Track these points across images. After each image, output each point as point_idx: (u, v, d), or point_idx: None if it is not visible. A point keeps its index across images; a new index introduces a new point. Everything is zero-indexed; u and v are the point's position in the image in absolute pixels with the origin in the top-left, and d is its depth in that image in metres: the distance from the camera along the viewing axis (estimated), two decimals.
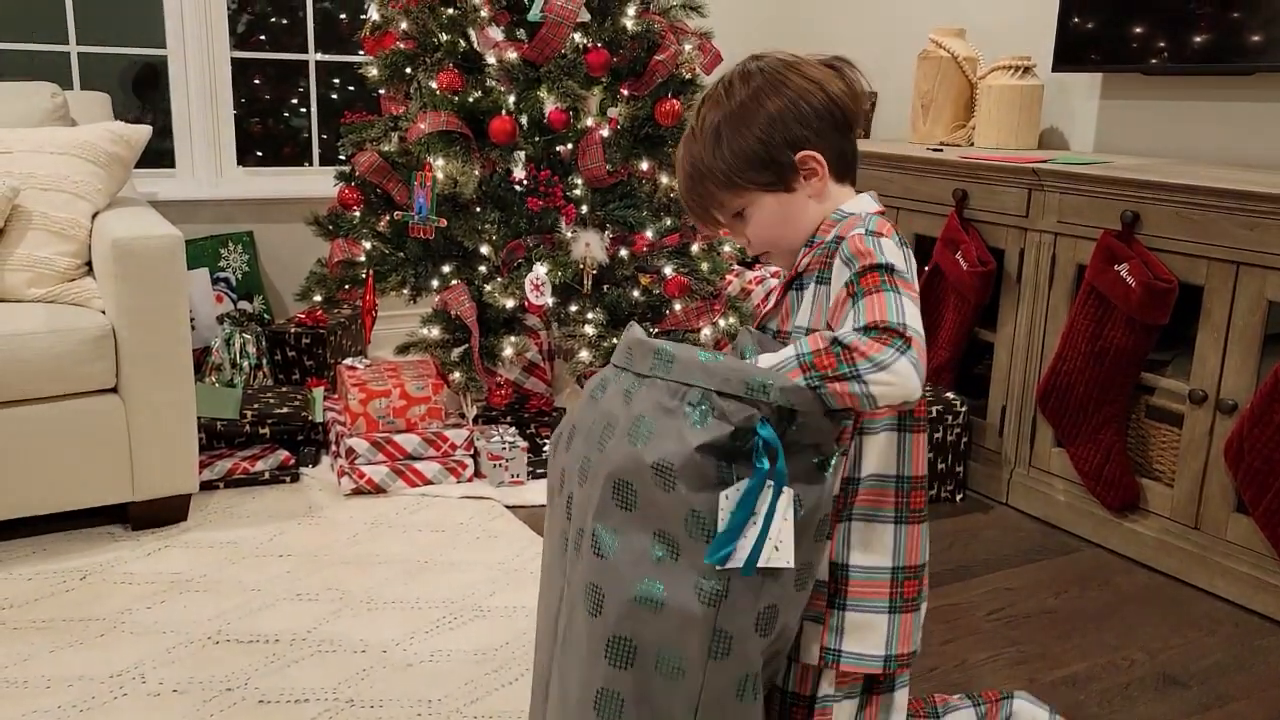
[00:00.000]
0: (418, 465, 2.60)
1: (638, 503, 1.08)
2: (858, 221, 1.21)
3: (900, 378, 1.04)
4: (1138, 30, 2.67)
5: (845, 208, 1.25)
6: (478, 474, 2.67)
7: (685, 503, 1.06)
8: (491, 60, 2.69)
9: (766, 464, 1.05)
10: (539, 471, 2.68)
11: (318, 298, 2.99)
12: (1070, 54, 2.82)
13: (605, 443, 1.12)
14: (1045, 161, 2.53)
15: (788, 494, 1.07)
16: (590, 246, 2.71)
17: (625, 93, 2.79)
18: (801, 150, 1.22)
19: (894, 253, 1.14)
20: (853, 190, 1.28)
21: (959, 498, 2.70)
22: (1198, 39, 2.55)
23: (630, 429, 1.10)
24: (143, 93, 3.21)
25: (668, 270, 2.83)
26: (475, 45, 2.74)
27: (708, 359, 1.09)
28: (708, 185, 1.27)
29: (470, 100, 2.70)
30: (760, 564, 1.06)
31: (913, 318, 1.08)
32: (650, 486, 1.07)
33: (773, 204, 1.25)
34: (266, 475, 2.58)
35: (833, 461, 1.13)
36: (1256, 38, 2.44)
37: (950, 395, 2.65)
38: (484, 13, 2.69)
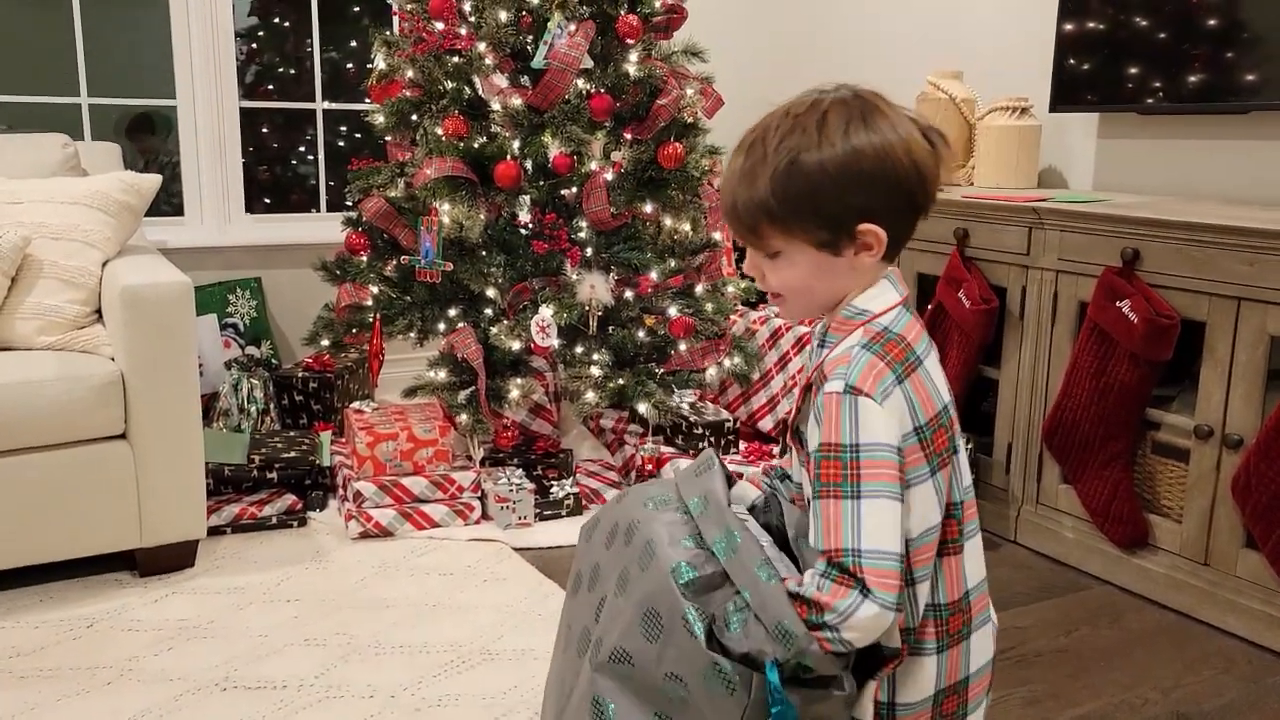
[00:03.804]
0: (425, 508, 2.60)
1: (664, 631, 1.08)
2: (852, 353, 1.08)
3: (864, 624, 1.02)
4: (1133, 70, 2.71)
5: (860, 301, 1.13)
6: (485, 516, 2.67)
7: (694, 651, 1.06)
8: (496, 106, 2.73)
9: (776, 708, 1.03)
10: (546, 513, 2.67)
11: (325, 342, 3.01)
12: (1067, 94, 2.85)
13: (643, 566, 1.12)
14: (1045, 200, 2.55)
15: None
16: (595, 288, 2.73)
17: (628, 137, 2.83)
18: (868, 222, 1.08)
19: (869, 419, 1.04)
20: (885, 270, 1.14)
21: None
22: (1192, 79, 2.58)
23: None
24: (137, 139, 3.26)
25: (672, 311, 2.85)
26: (480, 92, 2.78)
27: (765, 577, 1.06)
28: (758, 214, 1.11)
29: (475, 146, 2.73)
30: None
31: (871, 536, 1.02)
32: (663, 616, 1.08)
33: (814, 260, 1.12)
34: (274, 520, 2.58)
35: (848, 679, 1.10)
36: (1251, 77, 2.47)
37: None
38: (488, 60, 2.74)
